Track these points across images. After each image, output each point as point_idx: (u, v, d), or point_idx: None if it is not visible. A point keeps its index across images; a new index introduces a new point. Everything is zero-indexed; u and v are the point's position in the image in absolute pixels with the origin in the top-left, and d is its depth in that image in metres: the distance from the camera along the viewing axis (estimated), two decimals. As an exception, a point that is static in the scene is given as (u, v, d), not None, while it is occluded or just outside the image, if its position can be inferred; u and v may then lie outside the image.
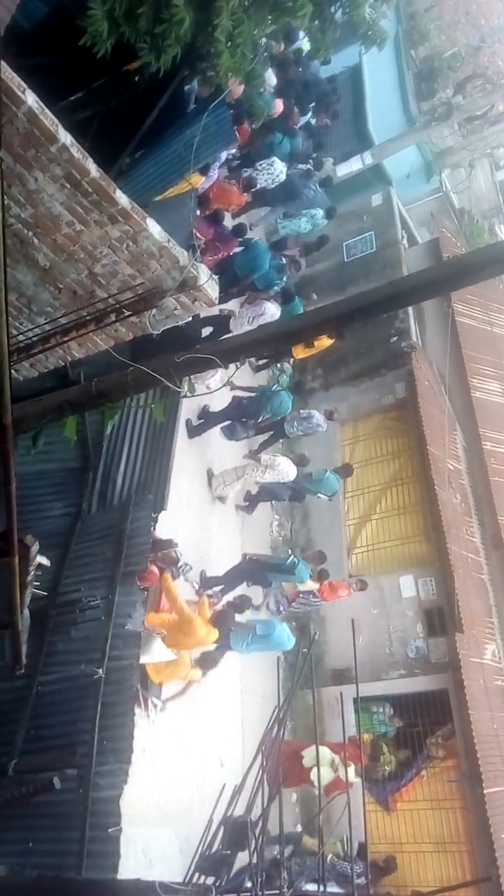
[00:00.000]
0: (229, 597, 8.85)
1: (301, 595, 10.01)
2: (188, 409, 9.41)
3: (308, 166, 11.55)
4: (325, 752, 8.44)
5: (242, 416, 9.83)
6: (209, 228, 9.00)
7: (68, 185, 4.86)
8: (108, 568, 6.67)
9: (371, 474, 12.21)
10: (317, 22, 6.19)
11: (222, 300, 7.72)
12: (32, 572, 4.42)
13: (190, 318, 6.01)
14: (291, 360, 11.08)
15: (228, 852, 5.49)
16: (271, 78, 9.70)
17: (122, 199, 4.99)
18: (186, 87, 7.03)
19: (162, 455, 7.69)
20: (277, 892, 5.06)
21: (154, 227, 5.19)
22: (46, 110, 4.52)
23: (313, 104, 11.42)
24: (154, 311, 5.58)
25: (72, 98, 6.39)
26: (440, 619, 10.36)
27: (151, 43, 5.50)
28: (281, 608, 9.85)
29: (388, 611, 10.84)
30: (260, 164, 9.77)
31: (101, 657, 5.97)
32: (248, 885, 4.99)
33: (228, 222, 9.34)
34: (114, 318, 5.57)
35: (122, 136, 6.77)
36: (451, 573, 10.05)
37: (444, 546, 10.34)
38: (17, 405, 3.81)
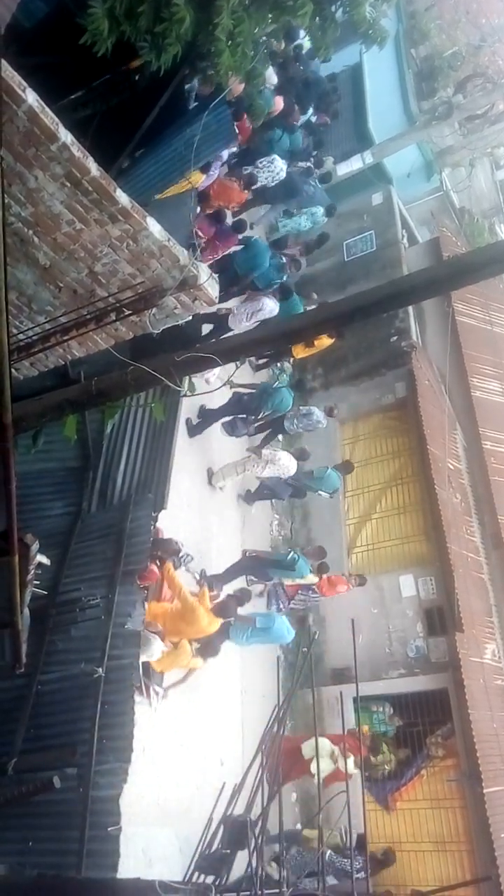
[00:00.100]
0: (229, 589, 8.86)
1: (300, 591, 10.02)
2: (188, 409, 9.42)
3: (308, 164, 11.55)
4: (324, 743, 8.49)
5: (243, 413, 9.83)
6: (210, 227, 9.00)
7: (68, 184, 4.86)
8: (108, 567, 6.67)
9: (371, 474, 12.21)
10: (317, 20, 6.19)
11: (222, 299, 7.72)
12: (32, 571, 4.42)
13: (190, 318, 6.00)
14: (291, 360, 11.08)
15: (228, 851, 5.49)
16: (272, 76, 9.70)
17: (122, 197, 4.99)
18: (187, 86, 7.03)
19: (162, 454, 7.69)
20: (277, 891, 5.06)
21: (154, 226, 5.19)
22: (47, 109, 4.52)
23: (314, 103, 11.42)
24: (154, 310, 5.57)
25: (72, 97, 6.38)
26: (440, 618, 10.36)
27: (152, 42, 5.49)
28: (281, 606, 9.86)
29: (388, 610, 10.84)
30: (260, 162, 9.77)
31: (100, 656, 5.96)
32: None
33: (228, 220, 9.33)
34: (114, 317, 5.56)
35: (122, 135, 6.76)
36: (451, 573, 10.05)
37: (444, 545, 10.34)
38: (18, 404, 3.81)
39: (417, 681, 10.27)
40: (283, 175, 10.09)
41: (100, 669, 5.85)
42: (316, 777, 7.27)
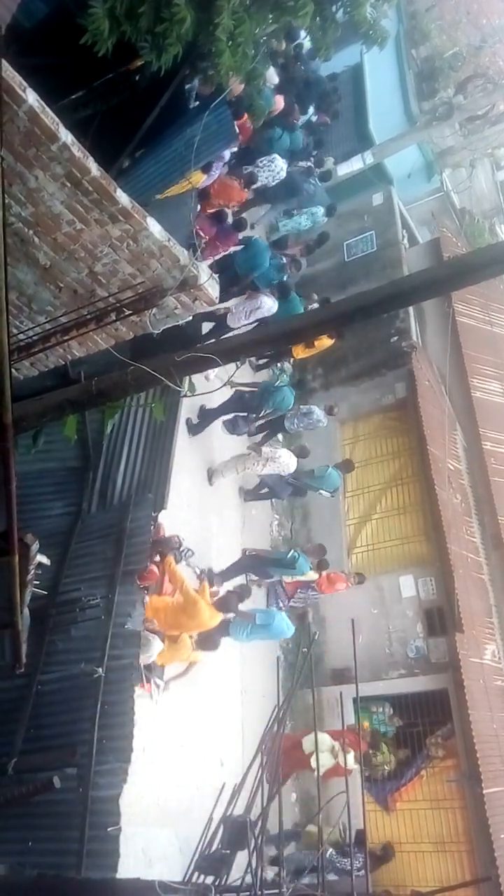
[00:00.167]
0: (229, 586, 8.87)
1: (300, 590, 10.02)
2: (188, 409, 9.42)
3: (309, 163, 11.56)
4: (324, 738, 8.52)
5: (244, 411, 9.84)
6: (212, 227, 9.00)
7: (69, 184, 4.86)
8: (108, 567, 6.67)
9: (371, 474, 12.21)
10: (318, 21, 6.19)
11: (222, 299, 7.71)
12: (32, 571, 4.42)
13: (190, 318, 6.00)
14: (291, 360, 11.09)
15: (228, 852, 5.49)
16: (273, 76, 9.71)
17: (122, 197, 4.99)
18: (187, 86, 7.03)
19: (162, 454, 7.69)
20: (277, 891, 5.05)
21: (154, 227, 5.19)
22: (47, 109, 4.52)
23: (314, 102, 11.43)
24: (154, 310, 5.57)
25: (72, 97, 6.38)
26: (440, 619, 10.35)
27: (152, 42, 5.50)
28: (280, 605, 9.87)
29: (388, 611, 10.84)
30: (260, 161, 9.78)
31: (100, 656, 5.96)
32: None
33: (229, 221, 9.34)
34: (114, 317, 5.56)
35: (122, 135, 6.77)
36: (451, 573, 10.04)
37: (444, 546, 10.34)
38: (18, 404, 3.81)
39: (417, 681, 10.27)
40: (283, 174, 10.09)
41: (100, 669, 5.85)
42: (316, 772, 7.30)
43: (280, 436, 11.02)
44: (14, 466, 3.45)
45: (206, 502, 9.73)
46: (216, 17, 5.36)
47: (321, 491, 10.52)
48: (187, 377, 4.70)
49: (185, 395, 5.74)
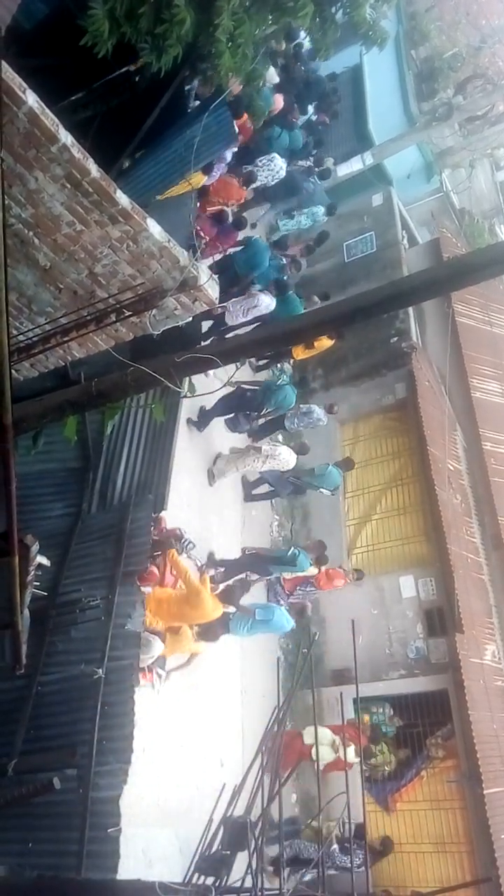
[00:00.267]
0: (229, 581, 8.88)
1: (299, 587, 10.02)
2: (188, 409, 9.42)
3: (308, 163, 11.57)
4: (325, 732, 8.58)
5: (246, 409, 9.84)
6: (213, 228, 9.01)
7: (69, 185, 4.86)
8: (108, 568, 6.67)
9: (371, 474, 12.21)
10: (317, 21, 6.20)
11: (222, 300, 7.73)
12: (32, 572, 4.42)
13: (190, 318, 6.00)
14: (291, 361, 11.09)
15: (228, 852, 5.49)
16: (273, 76, 9.71)
17: (122, 199, 4.99)
18: (187, 87, 7.04)
19: (162, 455, 7.69)
20: (277, 891, 5.06)
21: (154, 228, 5.19)
22: (47, 110, 4.52)
23: (314, 102, 11.44)
24: (154, 311, 5.57)
25: (72, 98, 6.39)
26: (440, 619, 10.35)
27: (152, 43, 5.51)
28: (280, 602, 9.87)
29: (388, 611, 10.84)
30: (260, 160, 9.78)
31: (100, 657, 5.96)
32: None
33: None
34: (114, 318, 5.57)
35: (122, 137, 6.77)
36: (451, 573, 10.04)
37: (444, 546, 10.34)
38: (18, 405, 3.81)
39: (417, 682, 10.27)
40: (282, 173, 10.10)
41: (100, 670, 5.85)
42: (316, 765, 7.33)
43: (280, 434, 11.04)
44: (14, 467, 3.45)
45: (206, 503, 9.73)
46: (216, 18, 5.37)
47: (322, 489, 10.51)
48: (187, 378, 4.70)
49: (185, 396, 5.75)
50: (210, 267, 7.30)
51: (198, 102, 7.34)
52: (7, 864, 4.98)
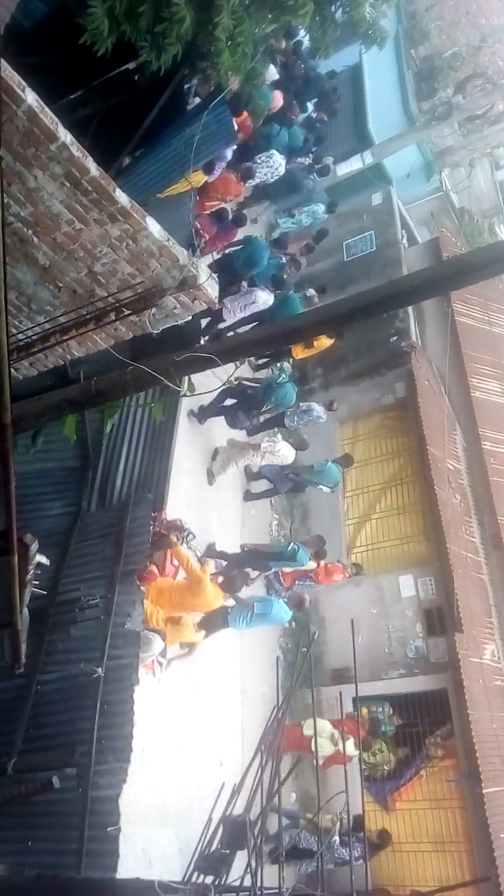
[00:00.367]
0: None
1: (298, 581, 10.03)
2: (189, 404, 9.41)
3: (308, 160, 11.56)
4: (324, 724, 8.60)
5: (247, 406, 9.84)
6: (213, 226, 9.00)
7: (68, 184, 4.85)
8: (108, 567, 6.67)
9: (371, 474, 12.21)
10: (317, 20, 6.19)
11: (222, 299, 7.72)
12: (32, 571, 4.42)
13: (190, 317, 6.00)
14: (291, 360, 11.10)
15: (227, 852, 5.49)
16: (272, 73, 9.70)
17: (121, 197, 4.99)
18: (186, 86, 7.03)
19: (161, 454, 7.70)
20: (277, 891, 5.05)
21: (154, 226, 5.19)
22: (46, 109, 4.51)
23: (314, 100, 11.43)
24: (154, 309, 5.57)
25: (72, 97, 6.39)
26: (440, 618, 10.36)
27: (152, 41, 5.49)
28: (279, 596, 9.87)
29: (388, 610, 10.84)
30: (259, 158, 9.78)
31: (100, 656, 5.96)
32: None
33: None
34: (113, 317, 5.56)
35: (121, 135, 6.77)
36: (451, 573, 10.04)
37: (443, 546, 10.34)
38: (17, 404, 3.81)
39: (417, 681, 10.27)
40: (281, 170, 10.10)
41: (99, 669, 5.85)
42: (315, 758, 7.35)
43: (279, 432, 11.04)
44: (13, 466, 3.45)
45: (205, 502, 9.73)
46: (216, 16, 5.36)
47: (321, 486, 10.51)
48: (186, 377, 4.70)
49: (185, 395, 5.75)
50: (209, 266, 7.30)
51: (197, 100, 7.34)
52: (7, 862, 4.97)
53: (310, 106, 11.71)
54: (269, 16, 6.01)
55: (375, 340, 12.30)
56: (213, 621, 7.92)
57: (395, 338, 12.21)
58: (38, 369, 6.29)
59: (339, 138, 13.89)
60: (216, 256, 9.50)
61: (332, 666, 10.38)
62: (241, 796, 5.87)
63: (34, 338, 5.74)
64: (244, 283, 9.36)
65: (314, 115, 11.91)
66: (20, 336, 5.74)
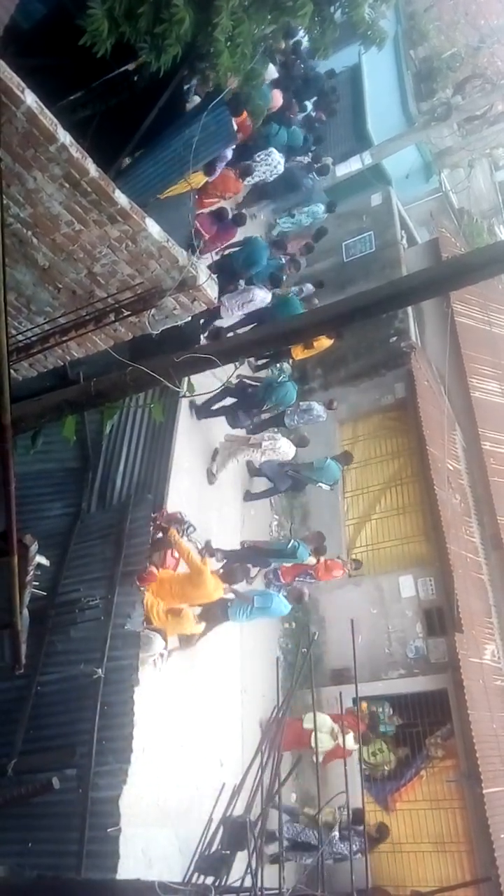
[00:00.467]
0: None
1: (298, 577, 10.03)
2: (188, 408, 9.42)
3: (307, 159, 11.57)
4: (324, 719, 8.61)
5: (247, 405, 9.85)
6: (213, 225, 9.00)
7: (67, 185, 4.85)
8: (108, 568, 6.68)
9: (370, 474, 12.21)
10: (316, 21, 6.20)
11: (220, 297, 7.72)
12: (32, 572, 4.42)
13: (189, 318, 6.01)
14: (290, 361, 11.11)
15: (228, 852, 5.49)
16: (272, 73, 9.72)
17: (121, 198, 4.99)
18: (186, 87, 7.04)
19: (161, 454, 7.70)
20: (276, 891, 5.06)
21: (153, 227, 5.19)
22: (45, 110, 4.51)
23: (313, 99, 11.44)
24: (153, 310, 5.57)
25: (71, 98, 6.39)
26: (440, 619, 10.36)
27: (151, 42, 5.50)
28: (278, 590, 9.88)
29: (388, 611, 10.84)
30: (258, 156, 9.79)
31: (100, 657, 5.97)
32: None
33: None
34: (113, 318, 5.56)
35: (121, 136, 6.77)
36: (451, 573, 10.05)
37: (443, 546, 10.34)
38: (16, 405, 3.81)
39: (417, 681, 10.27)
40: (280, 169, 10.11)
41: (99, 670, 5.86)
42: (315, 752, 7.36)
43: (279, 431, 11.06)
44: (13, 467, 3.45)
45: (205, 502, 9.73)
46: (215, 17, 5.36)
47: (320, 483, 10.49)
48: (186, 378, 4.70)
49: (184, 396, 5.76)
50: (209, 266, 7.30)
51: (197, 100, 7.34)
52: (7, 864, 4.98)
53: (309, 105, 11.73)
54: (269, 16, 6.02)
55: (375, 341, 12.30)
56: (213, 614, 7.94)
57: (394, 338, 12.21)
58: (38, 370, 6.29)
59: (339, 139, 13.91)
60: (215, 257, 9.51)
61: (333, 666, 10.38)
62: (242, 796, 5.88)
63: (34, 339, 5.74)
64: (241, 282, 9.39)
65: (313, 114, 11.92)
66: (20, 337, 5.74)
